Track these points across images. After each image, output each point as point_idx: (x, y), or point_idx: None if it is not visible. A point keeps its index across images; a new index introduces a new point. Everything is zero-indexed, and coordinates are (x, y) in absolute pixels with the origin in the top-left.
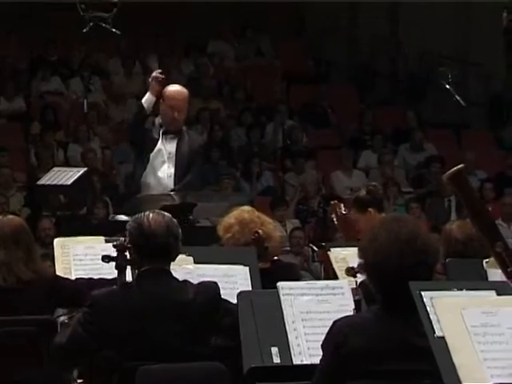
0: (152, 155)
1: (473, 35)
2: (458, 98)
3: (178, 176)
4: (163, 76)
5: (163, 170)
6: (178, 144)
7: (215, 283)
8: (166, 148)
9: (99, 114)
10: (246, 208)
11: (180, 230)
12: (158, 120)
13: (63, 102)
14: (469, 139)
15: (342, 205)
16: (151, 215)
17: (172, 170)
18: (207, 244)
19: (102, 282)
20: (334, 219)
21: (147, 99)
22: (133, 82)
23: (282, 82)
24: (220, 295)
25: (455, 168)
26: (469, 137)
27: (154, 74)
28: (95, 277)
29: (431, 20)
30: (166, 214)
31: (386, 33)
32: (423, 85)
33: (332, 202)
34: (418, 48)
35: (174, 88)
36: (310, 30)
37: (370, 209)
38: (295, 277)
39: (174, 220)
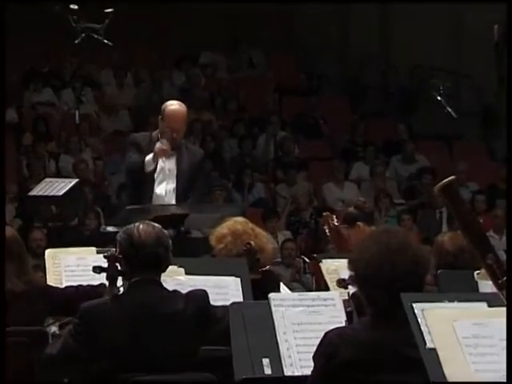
0: (155, 175)
1: (464, 47)
2: (450, 109)
3: (180, 191)
4: (166, 148)
5: (162, 187)
6: (177, 160)
7: (204, 291)
8: (165, 165)
9: (91, 125)
10: (240, 219)
11: (170, 241)
12: (156, 134)
13: (55, 113)
14: (461, 151)
15: (335, 216)
16: (141, 226)
17: (172, 186)
18: (199, 255)
19: (90, 288)
20: (327, 231)
21: (148, 163)
22: (124, 93)
23: (274, 93)
24: (209, 303)
25: (446, 180)
26: (461, 148)
27: (158, 144)
28: None
29: (422, 32)
30: (155, 224)
31: (377, 45)
32: (414, 97)
33: (324, 214)
34: (410, 60)
35: (172, 107)
36: (302, 42)
37: (359, 223)
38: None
39: (165, 231)
